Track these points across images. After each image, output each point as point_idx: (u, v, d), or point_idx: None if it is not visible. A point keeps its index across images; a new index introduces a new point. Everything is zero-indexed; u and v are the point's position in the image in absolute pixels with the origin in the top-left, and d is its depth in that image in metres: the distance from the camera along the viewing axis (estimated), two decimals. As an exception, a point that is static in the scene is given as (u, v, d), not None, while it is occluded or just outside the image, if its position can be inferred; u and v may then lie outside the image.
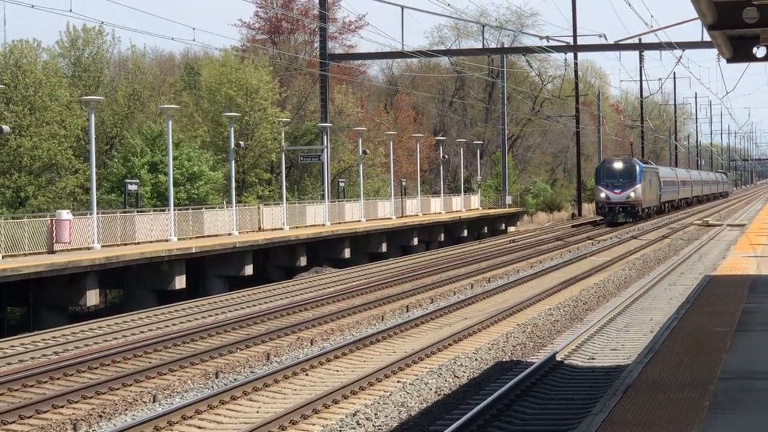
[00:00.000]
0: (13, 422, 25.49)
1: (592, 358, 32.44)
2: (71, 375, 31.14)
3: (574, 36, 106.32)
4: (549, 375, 29.37)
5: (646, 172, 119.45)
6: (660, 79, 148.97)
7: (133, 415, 26.14)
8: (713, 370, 19.18)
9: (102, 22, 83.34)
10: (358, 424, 23.93)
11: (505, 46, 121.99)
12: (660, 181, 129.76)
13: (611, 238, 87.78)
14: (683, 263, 61.68)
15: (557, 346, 34.03)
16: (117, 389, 28.95)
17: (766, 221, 77.97)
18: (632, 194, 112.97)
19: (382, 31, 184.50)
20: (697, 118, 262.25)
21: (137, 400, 27.67)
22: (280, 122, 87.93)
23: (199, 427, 24.82)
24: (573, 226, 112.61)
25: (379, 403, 25.92)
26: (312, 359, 32.09)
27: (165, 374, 30.95)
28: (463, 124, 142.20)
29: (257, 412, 26.04)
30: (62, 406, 26.99)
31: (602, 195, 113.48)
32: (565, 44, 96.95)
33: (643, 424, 15.57)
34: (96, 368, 31.96)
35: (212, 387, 28.81)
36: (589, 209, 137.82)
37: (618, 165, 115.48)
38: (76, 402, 27.53)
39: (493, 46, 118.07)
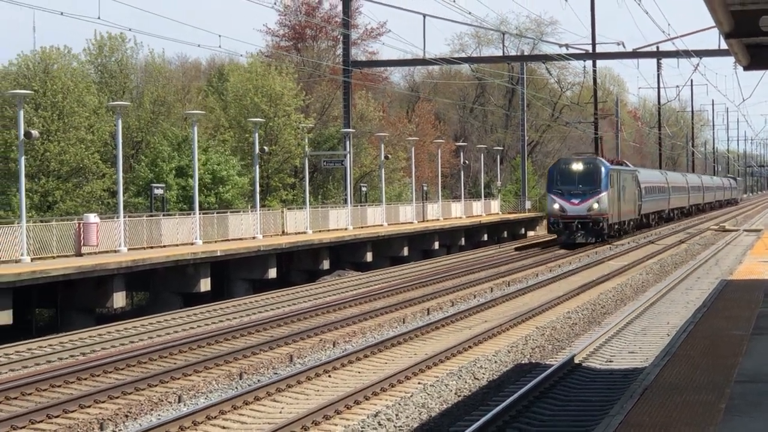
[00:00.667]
0: (41, 421, 25.60)
1: (610, 361, 32.43)
2: (98, 375, 31.27)
3: (593, 44, 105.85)
4: (567, 377, 29.40)
5: (617, 175, 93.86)
6: (677, 86, 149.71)
7: (159, 414, 26.24)
8: (729, 374, 19.17)
9: (129, 29, 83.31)
10: (380, 424, 23.96)
11: (525, 53, 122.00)
12: (640, 187, 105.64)
13: (628, 243, 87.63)
14: (700, 268, 61.58)
15: (575, 348, 34.04)
16: (142, 389, 29.05)
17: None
18: (595, 205, 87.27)
19: (404, 39, 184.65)
20: (713, 125, 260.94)
21: (162, 401, 27.76)
22: (303, 128, 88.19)
23: (224, 427, 24.86)
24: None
25: (400, 404, 25.96)
26: (334, 361, 32.13)
27: (190, 375, 31.05)
28: (484, 130, 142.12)
29: (280, 412, 26.08)
30: (89, 406, 27.11)
31: (555, 206, 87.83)
32: (584, 52, 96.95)
33: (659, 426, 15.59)
34: (122, 369, 32.09)
35: (236, 388, 28.86)
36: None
37: (577, 167, 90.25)
38: (103, 402, 27.64)
39: (513, 53, 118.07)
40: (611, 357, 33.11)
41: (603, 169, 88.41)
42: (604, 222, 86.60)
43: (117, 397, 28.11)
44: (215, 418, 25.41)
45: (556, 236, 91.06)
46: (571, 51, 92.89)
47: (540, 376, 28.35)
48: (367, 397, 27.19)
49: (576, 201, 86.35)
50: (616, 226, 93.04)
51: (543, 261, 71.24)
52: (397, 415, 24.89)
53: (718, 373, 19.21)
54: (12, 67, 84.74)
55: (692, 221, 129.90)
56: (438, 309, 44.97)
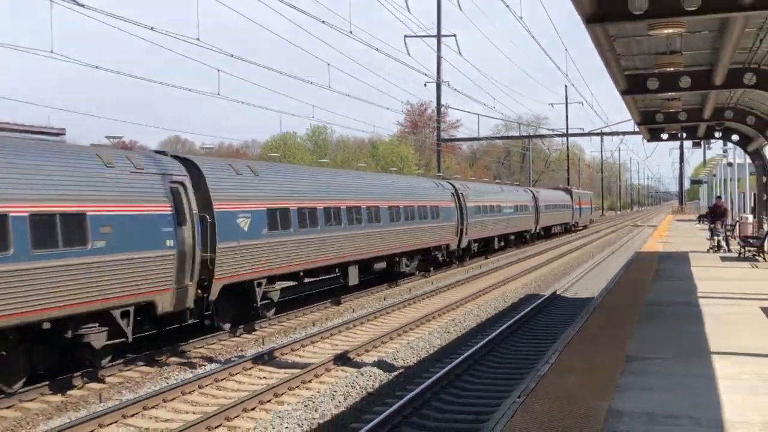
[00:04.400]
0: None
1: (576, 293, 31.94)
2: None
3: (567, 128, 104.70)
4: (553, 301, 29.04)
5: None
6: (612, 150, 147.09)
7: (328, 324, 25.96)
8: (641, 301, 18.80)
9: (327, 122, 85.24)
10: (455, 325, 23.78)
11: (531, 134, 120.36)
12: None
13: (586, 232, 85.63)
14: (624, 245, 60.42)
15: (557, 287, 33.55)
16: None
17: (668, 224, 76.15)
18: None
19: (468, 126, 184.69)
20: (630, 171, 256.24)
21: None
22: (417, 174, 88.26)
23: (376, 325, 24.40)
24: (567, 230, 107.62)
25: (464, 315, 25.72)
26: (431, 291, 31.88)
27: (359, 298, 30.61)
28: (509, 173, 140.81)
29: (404, 317, 25.89)
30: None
31: None
32: (561, 133, 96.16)
33: (604, 326, 15.34)
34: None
35: (383, 304, 28.52)
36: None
37: None
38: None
39: (525, 134, 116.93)
40: (576, 291, 32.62)
41: None
42: None
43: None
44: (374, 319, 25.08)
45: None
46: (555, 132, 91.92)
47: (538, 300, 28.08)
48: (447, 311, 26.88)
49: None
50: None
51: (539, 243, 70.07)
52: (463, 320, 24.70)
53: (635, 301, 18.84)
54: (268, 143, 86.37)
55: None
56: (486, 266, 44.47)
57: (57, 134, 17.11)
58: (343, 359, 18.45)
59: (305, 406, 14.60)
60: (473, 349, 19.02)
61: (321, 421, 13.92)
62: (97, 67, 22.88)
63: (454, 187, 41.58)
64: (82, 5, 16.95)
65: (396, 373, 17.54)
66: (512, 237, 55.26)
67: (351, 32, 25.78)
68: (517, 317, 24.07)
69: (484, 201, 47.06)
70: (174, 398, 15.28)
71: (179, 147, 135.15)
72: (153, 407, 14.72)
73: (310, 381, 16.61)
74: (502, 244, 52.88)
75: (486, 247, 49.31)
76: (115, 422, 13.78)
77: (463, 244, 41.74)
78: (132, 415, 14.19)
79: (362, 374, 16.97)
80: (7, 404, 14.85)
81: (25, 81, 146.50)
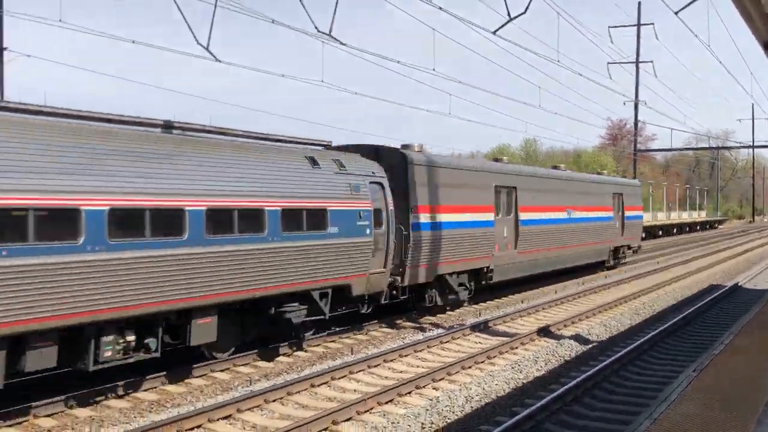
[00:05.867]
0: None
1: (755, 285, 29.63)
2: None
3: (753, 141, 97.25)
4: (735, 291, 27.08)
5: None
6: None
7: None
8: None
9: (538, 136, 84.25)
10: (614, 320, 20.08)
11: (719, 146, 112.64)
12: None
13: (759, 231, 78.92)
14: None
15: (738, 279, 31.23)
16: None
17: None
18: None
19: (662, 139, 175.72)
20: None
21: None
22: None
23: (575, 305, 23.43)
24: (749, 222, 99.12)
25: (621, 313, 24.34)
26: (578, 292, 30.30)
27: (560, 282, 29.78)
28: (699, 179, 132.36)
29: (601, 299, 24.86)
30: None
31: None
32: (747, 145, 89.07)
33: (777, 315, 14.22)
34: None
35: (580, 288, 27.49)
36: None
37: None
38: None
39: (713, 146, 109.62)
40: (755, 284, 30.24)
41: None
42: None
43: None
44: (572, 300, 24.43)
45: None
46: (741, 144, 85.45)
47: (721, 290, 26.27)
48: (611, 307, 22.57)
49: None
50: None
51: (725, 238, 65.00)
52: (620, 316, 23.01)
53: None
54: (488, 153, 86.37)
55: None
56: (675, 258, 41.82)
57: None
58: (545, 332, 18.18)
59: (512, 367, 14.49)
60: (659, 329, 18.19)
61: (524, 381, 13.82)
62: (356, 93, 23.87)
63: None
64: (345, 44, 17.82)
65: (590, 345, 17.08)
66: None
67: (558, 61, 25.32)
68: (701, 303, 22.69)
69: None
70: (407, 354, 15.78)
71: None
72: (391, 360, 15.25)
73: (516, 348, 16.45)
74: None
75: None
76: (379, 365, 14.74)
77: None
78: (376, 366, 14.83)
79: (561, 345, 16.64)
80: (222, 367, 14.27)
81: (305, 104, 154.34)
